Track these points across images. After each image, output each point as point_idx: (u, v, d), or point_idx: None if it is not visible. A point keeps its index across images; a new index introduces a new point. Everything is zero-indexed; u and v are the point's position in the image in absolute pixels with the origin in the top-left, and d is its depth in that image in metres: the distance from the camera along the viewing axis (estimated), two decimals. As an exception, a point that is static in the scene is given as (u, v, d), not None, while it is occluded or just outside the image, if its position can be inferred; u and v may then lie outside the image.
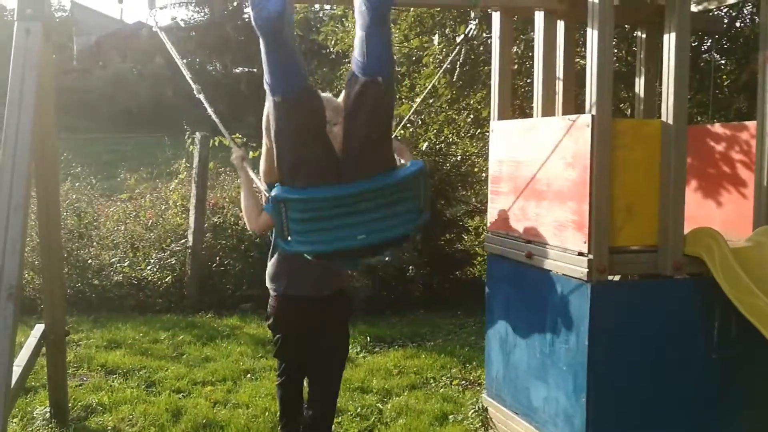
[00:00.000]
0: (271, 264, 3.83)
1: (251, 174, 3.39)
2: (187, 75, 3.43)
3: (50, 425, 4.53)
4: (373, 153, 2.94)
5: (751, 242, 3.78)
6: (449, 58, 4.60)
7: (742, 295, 3.46)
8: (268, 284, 3.85)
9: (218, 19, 29.41)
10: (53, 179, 4.22)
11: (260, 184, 3.33)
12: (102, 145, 21.61)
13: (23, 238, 3.08)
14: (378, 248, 3.19)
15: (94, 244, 8.35)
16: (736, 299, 3.47)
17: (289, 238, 2.90)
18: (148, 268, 8.03)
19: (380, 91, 2.89)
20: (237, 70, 31.32)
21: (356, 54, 2.91)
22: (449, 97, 7.58)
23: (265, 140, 3.43)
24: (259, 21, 2.70)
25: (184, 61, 3.47)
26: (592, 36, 3.55)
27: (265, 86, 2.90)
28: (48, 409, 4.62)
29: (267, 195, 3.11)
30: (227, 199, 8.81)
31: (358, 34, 2.90)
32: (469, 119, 7.95)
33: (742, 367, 3.74)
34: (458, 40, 4.52)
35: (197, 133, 8.22)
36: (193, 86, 3.43)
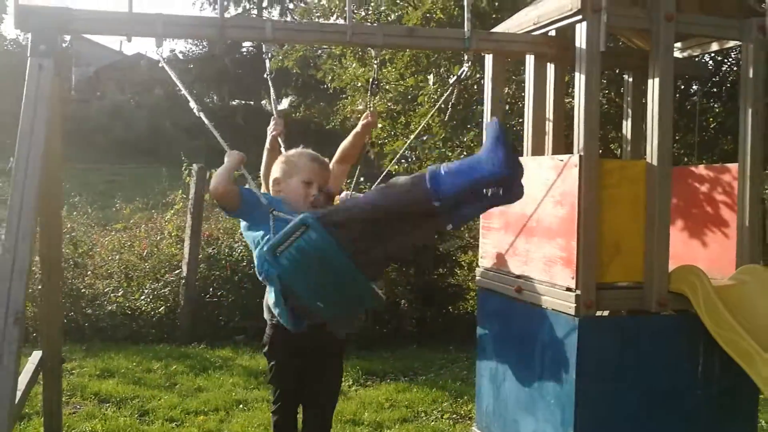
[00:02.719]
0: (268, 293, 3.91)
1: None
2: (191, 101, 3.44)
3: (44, 452, 4.57)
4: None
5: (734, 281, 3.89)
6: (443, 98, 4.74)
7: (724, 331, 3.55)
8: (265, 314, 3.92)
9: (216, 52, 29.76)
10: (56, 210, 4.30)
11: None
12: (98, 174, 21.70)
13: (29, 265, 3.17)
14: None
15: (89, 273, 8.39)
16: (719, 336, 3.56)
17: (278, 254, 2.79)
18: (142, 298, 8.08)
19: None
20: (234, 103, 31.62)
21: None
22: (443, 135, 7.74)
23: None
24: None
25: (182, 93, 3.51)
26: (579, 81, 3.69)
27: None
28: (42, 437, 4.66)
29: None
30: (222, 231, 8.90)
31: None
32: (462, 157, 8.10)
33: (725, 402, 3.82)
34: (451, 80, 4.66)
35: (194, 165, 8.34)
36: (194, 105, 3.40)
